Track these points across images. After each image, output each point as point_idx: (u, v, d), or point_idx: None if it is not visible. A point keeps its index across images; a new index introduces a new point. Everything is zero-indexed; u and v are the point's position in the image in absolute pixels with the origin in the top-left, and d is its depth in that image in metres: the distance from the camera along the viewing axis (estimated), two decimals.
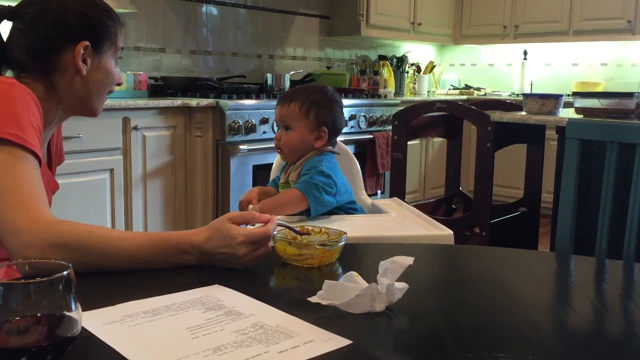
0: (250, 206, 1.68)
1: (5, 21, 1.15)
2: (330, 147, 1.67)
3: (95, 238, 0.94)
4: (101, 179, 2.84)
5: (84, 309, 0.65)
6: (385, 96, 4.43)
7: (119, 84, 1.22)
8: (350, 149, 2.03)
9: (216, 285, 0.89)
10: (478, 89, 5.40)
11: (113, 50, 1.18)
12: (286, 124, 1.65)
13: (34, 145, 0.99)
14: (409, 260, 0.82)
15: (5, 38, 1.16)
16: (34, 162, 1.00)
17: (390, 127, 3.69)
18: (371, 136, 3.90)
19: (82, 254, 0.92)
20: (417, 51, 5.45)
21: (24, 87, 1.05)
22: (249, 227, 1.01)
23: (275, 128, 3.35)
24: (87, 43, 1.13)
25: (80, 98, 1.16)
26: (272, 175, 1.89)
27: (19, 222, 0.92)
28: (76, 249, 0.92)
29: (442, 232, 1.39)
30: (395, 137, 3.23)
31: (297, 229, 1.08)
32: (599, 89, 4.78)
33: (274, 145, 3.28)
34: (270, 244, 1.00)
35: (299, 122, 1.63)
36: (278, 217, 1.47)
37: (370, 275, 0.84)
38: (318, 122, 1.62)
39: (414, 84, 5.26)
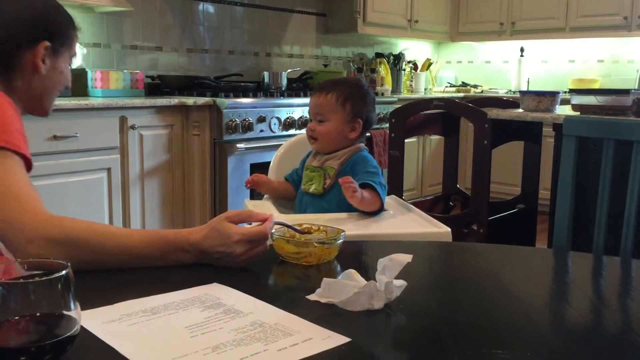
0: (246, 202, 1.68)
1: None
2: (362, 145, 1.70)
3: (93, 233, 0.95)
4: (98, 178, 2.83)
5: (82, 308, 0.65)
6: (382, 94, 4.43)
7: (67, 87, 1.25)
8: None
9: (215, 283, 0.89)
10: (475, 87, 5.40)
11: (68, 53, 1.21)
12: (321, 115, 1.66)
13: (24, 149, 1.02)
14: (407, 258, 0.83)
15: None
16: (22, 164, 1.02)
17: (387, 125, 3.69)
18: (368, 134, 3.89)
19: (81, 248, 0.93)
20: (414, 48, 5.45)
21: (0, 93, 1.07)
22: (246, 225, 1.01)
23: (274, 126, 3.36)
24: (48, 44, 1.15)
25: (35, 97, 1.19)
26: (271, 172, 1.88)
27: (18, 219, 0.93)
28: (75, 243, 0.93)
29: (439, 230, 1.39)
30: (393, 134, 3.23)
31: (298, 228, 1.08)
32: (596, 86, 4.78)
33: (271, 144, 3.31)
34: (269, 242, 1.00)
35: (335, 113, 1.64)
36: (277, 215, 1.48)
37: (368, 273, 0.84)
38: (354, 114, 1.65)
39: (411, 81, 5.26)
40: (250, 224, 1.02)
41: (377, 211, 1.50)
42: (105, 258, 0.95)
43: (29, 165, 1.05)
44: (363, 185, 1.51)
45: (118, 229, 1.00)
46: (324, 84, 1.70)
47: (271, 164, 1.91)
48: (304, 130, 1.74)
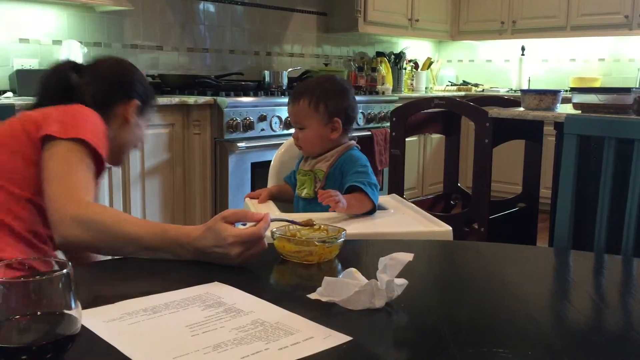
0: (247, 200, 1.68)
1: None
2: (353, 142, 1.67)
3: (106, 216, 1.06)
4: None
5: (83, 307, 0.65)
6: (383, 93, 4.43)
7: (136, 147, 1.46)
8: None
9: (215, 282, 0.89)
10: (476, 85, 5.40)
11: (147, 118, 1.45)
12: (299, 123, 1.64)
13: (104, 153, 1.20)
14: (408, 257, 0.83)
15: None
16: (94, 171, 1.18)
17: (388, 124, 3.69)
18: (369, 133, 3.90)
19: (94, 229, 1.04)
20: (414, 47, 5.45)
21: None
22: (240, 226, 1.01)
23: (275, 125, 3.36)
24: (139, 102, 1.38)
25: (118, 146, 1.37)
26: (272, 171, 1.88)
27: (61, 202, 1.07)
28: (90, 223, 1.04)
29: (440, 228, 1.39)
30: (393, 133, 3.23)
31: (298, 221, 1.09)
32: (597, 85, 4.78)
33: (271, 143, 3.30)
34: (270, 241, 1.00)
35: (311, 118, 1.62)
36: (278, 214, 1.48)
37: (369, 272, 0.84)
38: (329, 114, 1.62)
39: (412, 80, 5.25)
40: (245, 224, 1.02)
41: (370, 211, 1.49)
42: (112, 240, 1.03)
43: (99, 172, 1.22)
44: (351, 189, 1.51)
45: (130, 217, 1.09)
46: (295, 91, 1.67)
47: (272, 162, 1.91)
48: None
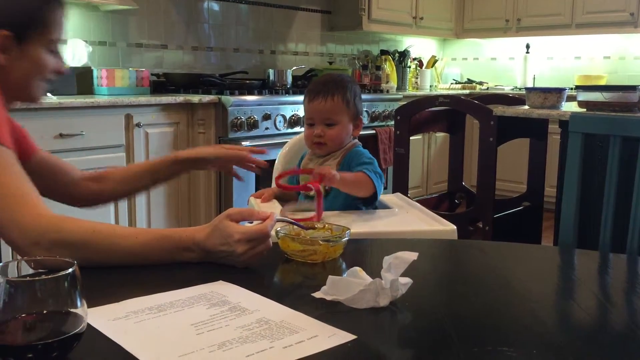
0: (251, 199, 1.68)
1: None
2: (357, 141, 1.68)
3: (98, 236, 0.95)
4: None
5: (89, 306, 0.66)
6: (388, 91, 4.42)
7: (59, 72, 1.17)
8: None
9: (220, 281, 0.90)
10: (480, 83, 5.39)
11: (44, 39, 1.12)
12: (330, 119, 1.61)
13: (6, 139, 0.99)
14: (412, 256, 0.83)
15: None
16: (15, 156, 1.00)
17: (392, 122, 3.69)
18: (373, 131, 3.89)
19: (85, 252, 0.94)
20: (419, 45, 5.44)
21: None
22: (247, 224, 1.01)
23: (279, 124, 3.36)
24: (5, 32, 1.08)
25: (15, 87, 1.12)
26: (276, 170, 1.88)
27: (21, 221, 0.93)
28: (80, 247, 0.94)
29: (445, 227, 1.39)
30: (398, 132, 3.23)
31: (302, 224, 1.09)
32: (602, 82, 4.76)
33: (276, 142, 3.30)
34: (274, 240, 1.00)
35: (343, 114, 1.61)
36: (279, 213, 1.48)
37: (374, 271, 0.84)
38: (357, 112, 1.63)
39: (416, 78, 5.25)
40: (252, 222, 1.02)
41: (372, 198, 1.50)
42: (110, 260, 0.96)
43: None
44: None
45: (123, 230, 0.99)
46: (323, 87, 1.64)
47: (276, 161, 1.91)
48: None
